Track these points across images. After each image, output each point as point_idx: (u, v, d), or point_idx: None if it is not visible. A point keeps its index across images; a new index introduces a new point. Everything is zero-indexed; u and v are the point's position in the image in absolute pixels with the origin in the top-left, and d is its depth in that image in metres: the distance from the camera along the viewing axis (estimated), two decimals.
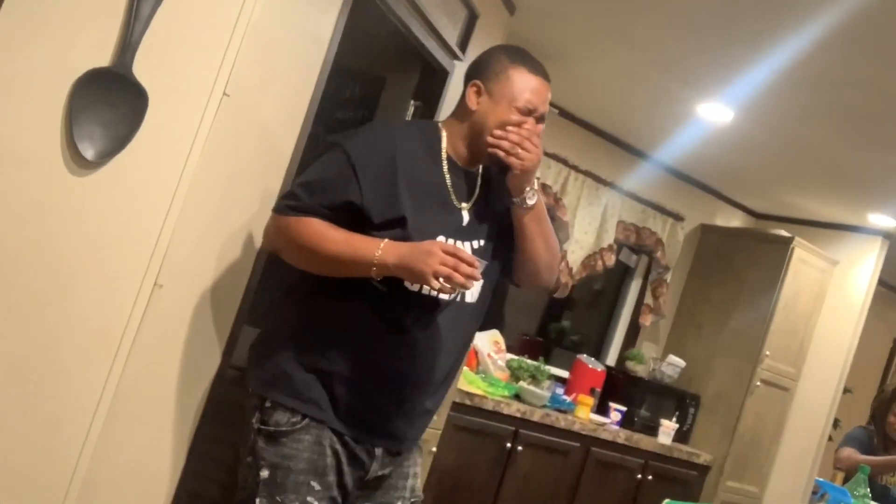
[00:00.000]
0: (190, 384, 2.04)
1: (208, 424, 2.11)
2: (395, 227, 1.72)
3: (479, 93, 1.81)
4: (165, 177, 1.79)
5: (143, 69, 1.65)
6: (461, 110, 1.86)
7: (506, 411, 3.59)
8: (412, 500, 1.88)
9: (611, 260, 4.67)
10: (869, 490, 2.38)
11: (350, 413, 1.75)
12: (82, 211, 1.65)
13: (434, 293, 1.74)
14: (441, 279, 1.63)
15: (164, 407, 1.98)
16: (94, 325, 1.72)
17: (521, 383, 3.86)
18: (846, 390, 5.04)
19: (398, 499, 1.85)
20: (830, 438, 5.07)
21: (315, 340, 1.77)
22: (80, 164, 1.61)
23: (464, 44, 2.99)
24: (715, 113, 3.72)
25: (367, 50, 2.86)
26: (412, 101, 2.81)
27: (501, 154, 1.75)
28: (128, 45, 1.62)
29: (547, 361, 4.14)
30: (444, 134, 1.85)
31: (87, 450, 1.75)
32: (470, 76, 1.86)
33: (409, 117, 2.90)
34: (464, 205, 1.85)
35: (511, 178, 1.79)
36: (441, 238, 1.76)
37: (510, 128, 1.76)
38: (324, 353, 1.75)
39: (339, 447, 1.75)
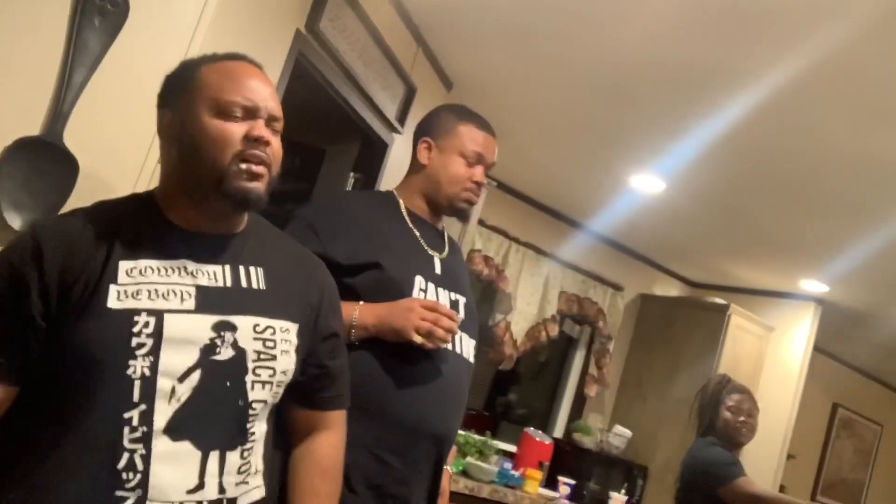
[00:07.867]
0: None
1: None
2: (370, 269, 1.68)
3: (429, 149, 1.87)
4: None
5: (74, 138, 1.62)
6: (413, 168, 1.90)
7: (453, 488, 3.49)
8: None
9: (554, 330, 4.68)
10: None
11: (362, 479, 1.61)
12: None
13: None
14: (422, 334, 1.59)
15: None
16: None
17: (469, 459, 3.78)
18: (790, 456, 5.07)
19: None
20: None
21: None
22: (7, 233, 1.55)
23: (402, 117, 3.03)
24: (647, 184, 3.82)
25: (306, 122, 2.87)
26: (352, 173, 2.82)
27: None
28: (59, 113, 1.60)
29: (494, 436, 4.08)
30: (397, 194, 1.89)
31: None
32: (419, 135, 1.91)
33: (349, 188, 2.90)
34: (435, 253, 1.84)
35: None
36: (419, 278, 1.74)
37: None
38: None
39: None
